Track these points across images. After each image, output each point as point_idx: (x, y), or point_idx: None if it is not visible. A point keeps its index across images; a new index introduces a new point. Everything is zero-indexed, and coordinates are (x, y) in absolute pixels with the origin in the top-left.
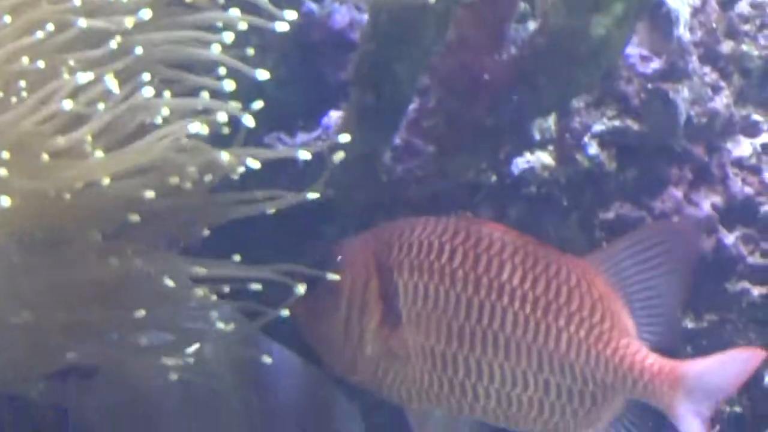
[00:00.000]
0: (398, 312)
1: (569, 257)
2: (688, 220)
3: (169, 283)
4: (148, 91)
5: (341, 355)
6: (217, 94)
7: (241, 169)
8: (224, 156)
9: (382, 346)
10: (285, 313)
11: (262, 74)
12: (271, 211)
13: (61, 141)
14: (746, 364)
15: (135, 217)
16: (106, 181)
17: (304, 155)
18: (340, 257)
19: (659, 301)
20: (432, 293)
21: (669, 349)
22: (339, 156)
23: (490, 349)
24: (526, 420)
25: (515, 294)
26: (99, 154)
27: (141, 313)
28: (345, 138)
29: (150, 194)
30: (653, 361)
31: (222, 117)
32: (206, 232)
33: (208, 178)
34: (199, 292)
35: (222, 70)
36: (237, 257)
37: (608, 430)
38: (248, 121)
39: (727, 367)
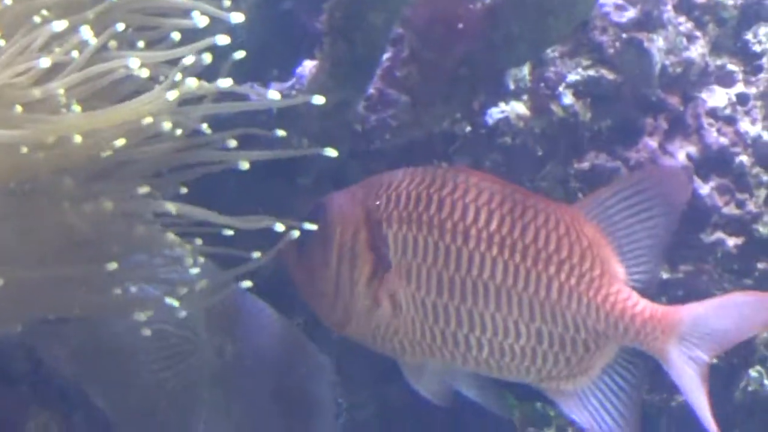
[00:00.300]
0: (388, 264)
1: (558, 205)
2: (676, 165)
3: (142, 229)
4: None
5: (333, 309)
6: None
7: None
8: (198, 110)
9: (373, 298)
10: (257, 256)
11: (236, 17)
12: (245, 165)
13: (36, 93)
14: (753, 308)
15: (110, 167)
16: (78, 139)
17: (276, 103)
18: (328, 211)
19: (646, 247)
20: (421, 244)
21: (648, 294)
22: (313, 106)
23: (481, 300)
24: (519, 369)
25: (505, 243)
26: (76, 108)
27: (113, 264)
28: (319, 88)
29: (122, 143)
30: (644, 306)
31: (192, 82)
32: (183, 189)
33: (180, 131)
34: (173, 237)
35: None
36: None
37: (601, 378)
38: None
39: (728, 311)
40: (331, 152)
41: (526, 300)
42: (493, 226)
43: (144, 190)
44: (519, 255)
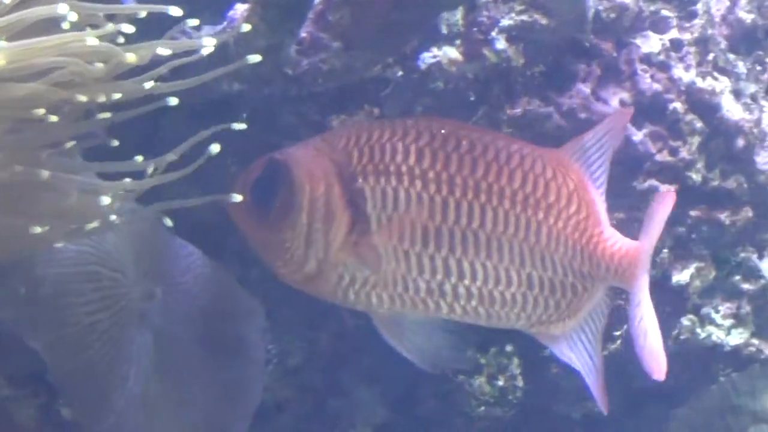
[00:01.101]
0: (367, 218)
1: (542, 149)
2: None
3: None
4: None
5: (300, 267)
6: None
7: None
8: (130, 56)
9: (351, 253)
10: (188, 204)
11: None
12: (174, 102)
13: None
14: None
15: (38, 111)
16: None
17: (209, 47)
18: (292, 168)
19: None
20: (403, 196)
21: None
22: (244, 49)
23: (471, 249)
24: (509, 316)
25: (492, 190)
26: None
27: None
28: (250, 31)
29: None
30: (621, 245)
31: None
32: (115, 143)
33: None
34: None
35: None
36: (140, 158)
37: (585, 320)
38: (175, 11)
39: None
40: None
41: (516, 246)
42: (479, 173)
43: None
44: (508, 201)
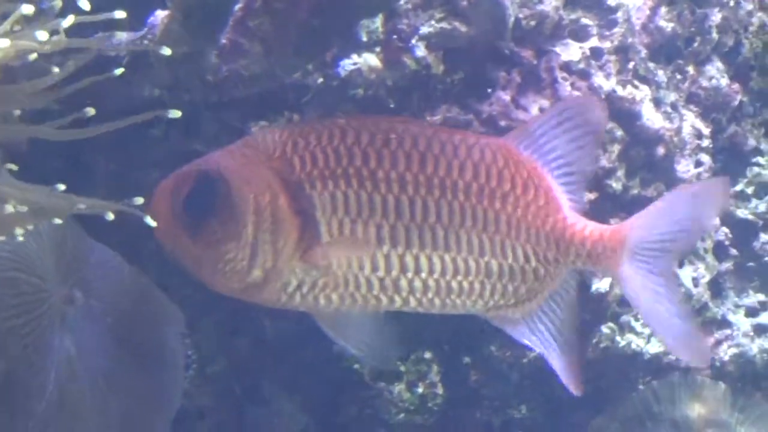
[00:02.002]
0: (317, 224)
1: (488, 138)
2: (594, 95)
3: None
4: None
5: (243, 278)
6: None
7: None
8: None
9: (300, 260)
10: (110, 216)
11: None
12: (92, 112)
13: None
14: (703, 196)
15: None
16: None
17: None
18: (229, 179)
19: (575, 173)
20: (353, 200)
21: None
22: (164, 55)
23: (428, 243)
24: (464, 303)
25: (445, 184)
26: None
27: None
28: (170, 37)
29: None
30: (592, 229)
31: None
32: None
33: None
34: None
35: None
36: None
37: (547, 302)
38: (84, 4)
39: (676, 209)
40: (110, 216)
41: (475, 238)
42: (429, 169)
43: None
44: (462, 194)
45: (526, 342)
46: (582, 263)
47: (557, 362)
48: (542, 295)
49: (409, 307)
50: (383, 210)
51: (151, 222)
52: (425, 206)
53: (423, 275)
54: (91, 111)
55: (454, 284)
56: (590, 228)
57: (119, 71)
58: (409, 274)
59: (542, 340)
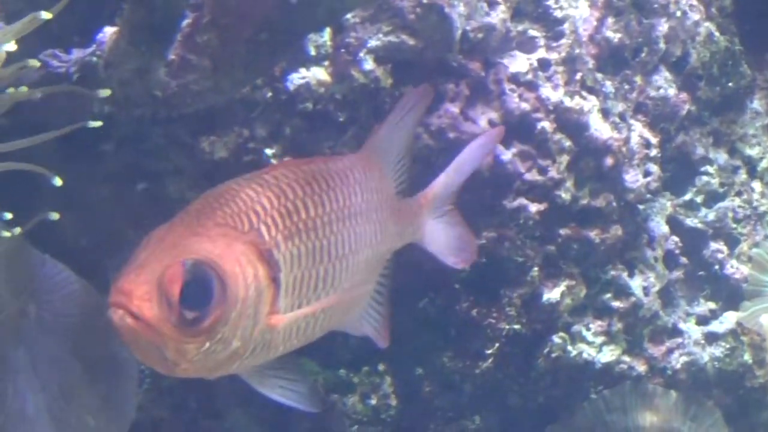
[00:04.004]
0: (279, 287)
1: (351, 157)
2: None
3: None
4: None
5: (220, 355)
6: None
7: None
8: None
9: (267, 325)
10: (54, 216)
11: None
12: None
13: None
14: (483, 148)
15: None
16: None
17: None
18: (214, 268)
19: (404, 156)
20: (303, 251)
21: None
22: (113, 72)
23: (338, 277)
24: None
25: (351, 213)
26: None
27: None
28: (118, 54)
29: None
30: (410, 205)
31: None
32: None
33: None
34: None
35: None
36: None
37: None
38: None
39: (463, 166)
40: (57, 181)
41: (368, 252)
42: (338, 203)
43: None
44: (355, 218)
45: (363, 334)
46: (407, 240)
47: (374, 331)
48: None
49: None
50: (321, 255)
51: (124, 319)
52: (342, 241)
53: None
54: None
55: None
56: (410, 206)
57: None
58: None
59: (371, 324)
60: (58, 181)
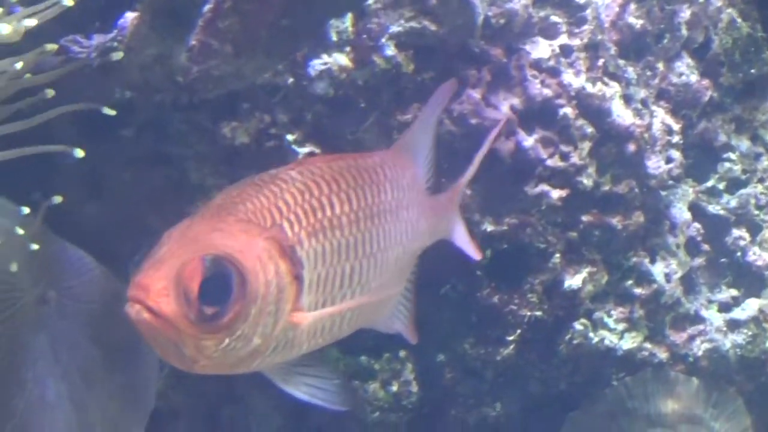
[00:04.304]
0: (303, 284)
1: (381, 154)
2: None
3: None
4: None
5: (240, 353)
6: None
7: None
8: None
9: (289, 322)
10: (57, 199)
11: None
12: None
13: None
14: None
15: None
16: None
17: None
18: (235, 264)
19: (430, 152)
20: (329, 249)
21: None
22: (134, 58)
23: (365, 275)
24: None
25: (380, 210)
26: None
27: None
28: (140, 39)
29: None
30: (444, 201)
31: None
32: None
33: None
34: None
35: None
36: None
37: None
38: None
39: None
40: (79, 153)
41: (399, 249)
42: (368, 201)
43: None
44: (387, 215)
45: (393, 331)
46: (441, 237)
47: (404, 327)
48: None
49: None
50: (347, 252)
51: (142, 314)
52: (370, 238)
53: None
54: (50, 92)
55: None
56: (443, 202)
57: None
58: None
59: (402, 321)
60: (79, 153)
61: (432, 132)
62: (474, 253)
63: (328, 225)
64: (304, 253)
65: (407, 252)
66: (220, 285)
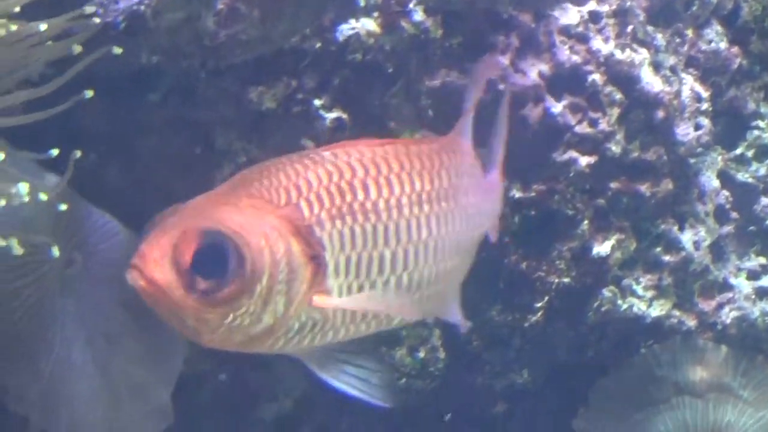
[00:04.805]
0: (326, 267)
1: (437, 140)
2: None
3: None
4: None
5: (248, 331)
6: None
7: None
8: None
9: (308, 304)
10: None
11: None
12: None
13: None
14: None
15: None
16: None
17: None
18: (237, 237)
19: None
20: (359, 233)
21: None
22: (162, 21)
23: (411, 262)
24: (439, 308)
25: (431, 198)
26: None
27: None
28: (167, 3)
29: None
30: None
31: None
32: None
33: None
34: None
35: None
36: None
37: None
38: None
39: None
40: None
41: (450, 239)
42: (417, 186)
43: None
44: (444, 203)
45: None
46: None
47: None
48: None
49: (390, 326)
50: (385, 238)
51: (143, 285)
52: (418, 225)
53: (402, 290)
54: (78, 48)
55: (438, 290)
56: (497, 178)
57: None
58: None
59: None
60: (89, 93)
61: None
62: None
63: (359, 209)
64: (325, 235)
65: (469, 239)
66: (214, 258)
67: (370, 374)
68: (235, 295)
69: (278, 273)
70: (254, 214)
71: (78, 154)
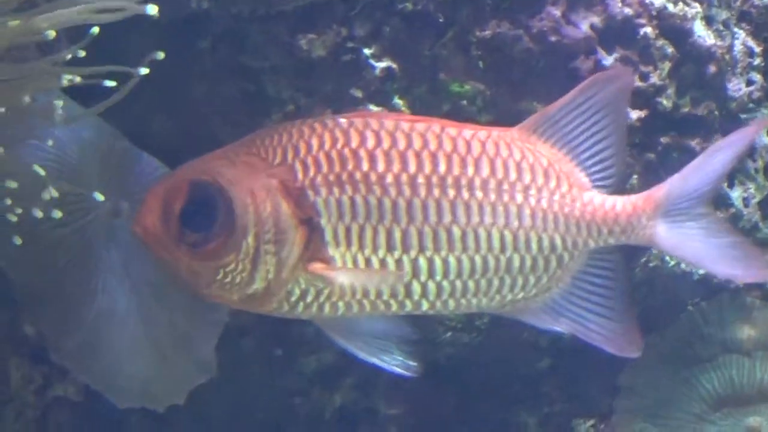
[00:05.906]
0: (322, 232)
1: (501, 130)
2: (617, 67)
3: None
4: None
5: (243, 289)
6: None
7: None
8: None
9: (304, 269)
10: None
11: None
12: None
13: None
14: (733, 148)
15: None
16: None
17: None
18: (226, 189)
19: (604, 151)
20: (361, 205)
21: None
22: None
23: (444, 245)
24: (481, 302)
25: (460, 183)
26: None
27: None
28: None
29: None
30: (623, 203)
31: None
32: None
33: None
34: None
35: None
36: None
37: (573, 284)
38: None
39: (706, 165)
40: (152, 9)
41: (496, 234)
42: (442, 168)
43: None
44: (480, 191)
45: (552, 327)
46: (617, 239)
47: (596, 335)
48: (564, 280)
49: (420, 310)
50: (394, 214)
51: (138, 232)
52: (439, 207)
53: (437, 278)
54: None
55: (470, 284)
56: (621, 203)
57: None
58: (422, 278)
59: (575, 322)
60: (143, 71)
61: (601, 122)
62: (727, 271)
63: (362, 179)
64: (320, 200)
65: (532, 238)
66: (203, 209)
67: (393, 346)
68: (221, 250)
69: (264, 232)
70: (246, 170)
71: (143, 71)
